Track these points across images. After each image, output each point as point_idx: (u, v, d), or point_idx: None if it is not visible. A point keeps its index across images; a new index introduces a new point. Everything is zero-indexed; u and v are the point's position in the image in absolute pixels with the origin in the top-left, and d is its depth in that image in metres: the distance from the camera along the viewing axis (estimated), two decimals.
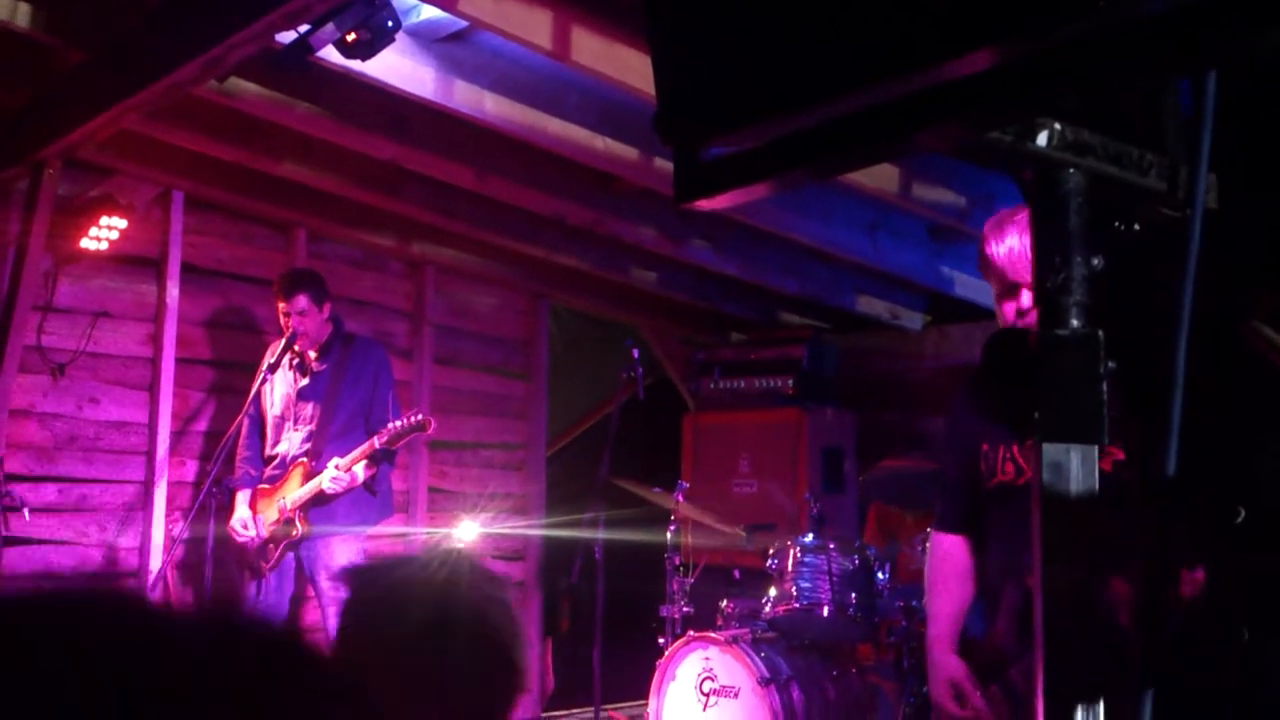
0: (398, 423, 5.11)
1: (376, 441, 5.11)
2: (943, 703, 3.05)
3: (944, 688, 3.05)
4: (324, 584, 5.24)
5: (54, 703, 0.56)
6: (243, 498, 5.39)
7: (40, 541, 5.42)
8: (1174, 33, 0.95)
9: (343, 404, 5.37)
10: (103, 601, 0.65)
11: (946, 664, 3.07)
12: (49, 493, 5.56)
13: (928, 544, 3.38)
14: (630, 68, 4.14)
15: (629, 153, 5.12)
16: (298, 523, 5.20)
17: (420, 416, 5.11)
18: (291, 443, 5.38)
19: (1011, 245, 2.76)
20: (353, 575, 1.82)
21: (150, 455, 5.86)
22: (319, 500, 5.20)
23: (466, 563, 1.76)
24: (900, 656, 4.92)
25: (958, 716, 3.00)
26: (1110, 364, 1.09)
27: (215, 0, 3.72)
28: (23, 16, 4.19)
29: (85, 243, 5.47)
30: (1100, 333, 1.08)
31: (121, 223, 5.50)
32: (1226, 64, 1.15)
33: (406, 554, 2.00)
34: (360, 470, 5.19)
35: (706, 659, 5.10)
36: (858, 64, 1.08)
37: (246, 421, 5.36)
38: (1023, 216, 2.73)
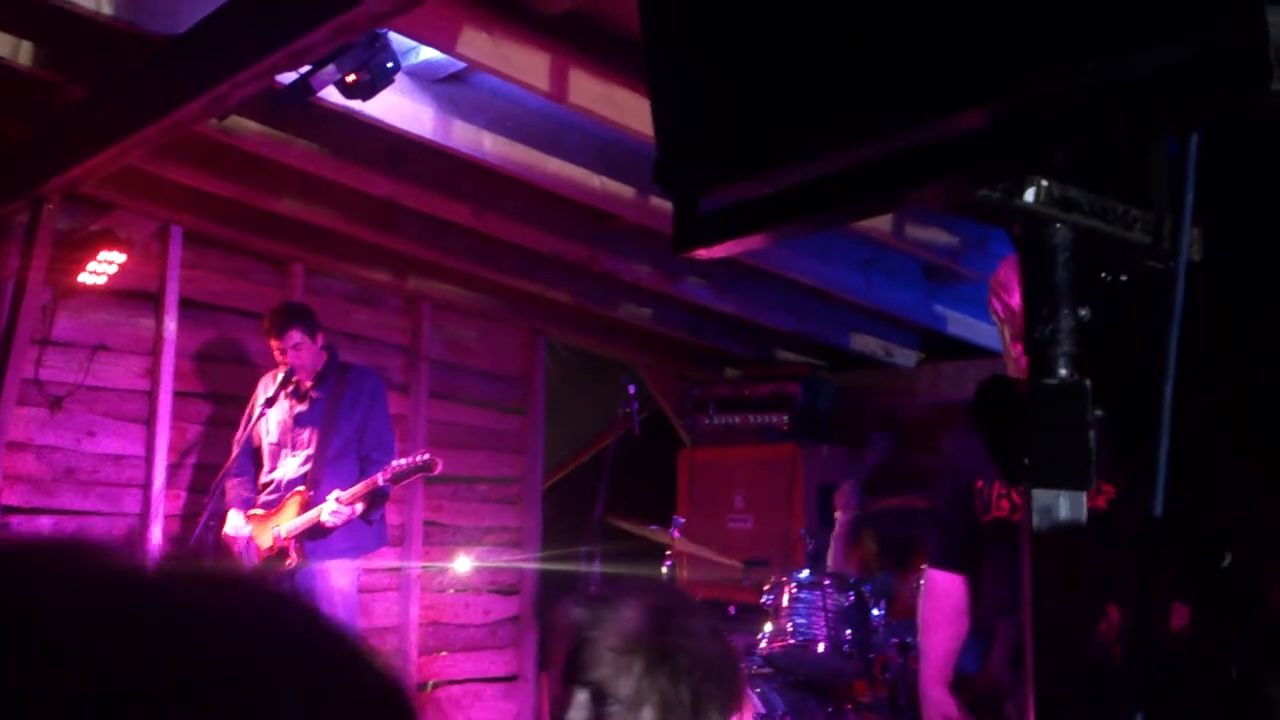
0: (403, 461, 5.08)
1: (380, 478, 5.07)
2: None
3: None
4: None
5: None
6: (234, 513, 5.35)
7: None
8: (1162, 93, 0.98)
9: (339, 429, 5.37)
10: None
11: (940, 700, 3.09)
12: (45, 525, 5.55)
13: (922, 581, 3.40)
14: (627, 109, 4.18)
15: (625, 191, 5.16)
16: (292, 552, 5.18)
17: (426, 456, 5.08)
18: (288, 468, 5.37)
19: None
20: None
21: (147, 488, 5.86)
22: (315, 531, 5.16)
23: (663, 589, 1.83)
24: (895, 693, 4.92)
25: None
26: (1098, 411, 1.12)
27: (219, 40, 3.75)
28: (25, 54, 4.22)
29: (84, 277, 5.50)
30: (1087, 382, 1.11)
31: (120, 257, 5.52)
32: (1212, 123, 1.18)
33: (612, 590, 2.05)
34: (359, 504, 5.17)
35: None
36: (853, 120, 1.11)
37: (238, 453, 5.35)
38: None
